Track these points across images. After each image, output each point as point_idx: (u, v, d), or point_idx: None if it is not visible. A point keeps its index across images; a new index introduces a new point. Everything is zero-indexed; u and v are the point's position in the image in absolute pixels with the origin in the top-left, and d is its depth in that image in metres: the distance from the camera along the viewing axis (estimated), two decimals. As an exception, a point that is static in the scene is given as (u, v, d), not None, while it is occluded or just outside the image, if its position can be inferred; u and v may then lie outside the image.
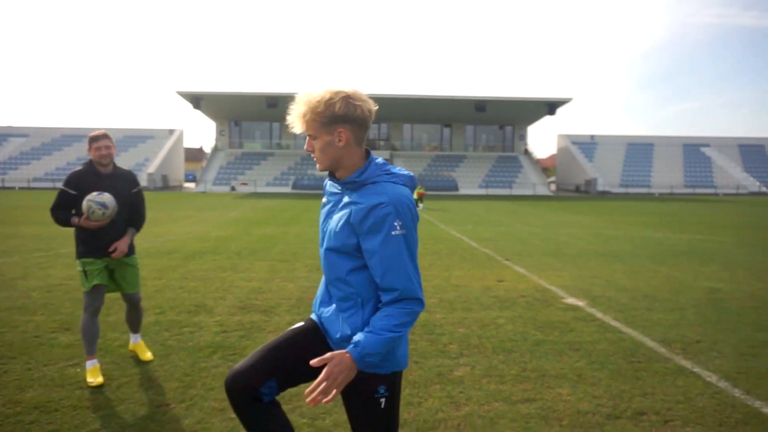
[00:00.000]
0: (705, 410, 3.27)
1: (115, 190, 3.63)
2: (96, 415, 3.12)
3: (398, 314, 1.66)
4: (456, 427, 3.04)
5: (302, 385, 1.95)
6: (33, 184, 45.53)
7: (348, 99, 1.66)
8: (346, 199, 1.74)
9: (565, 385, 3.65)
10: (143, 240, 10.26)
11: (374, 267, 1.67)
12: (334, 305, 1.81)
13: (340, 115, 1.65)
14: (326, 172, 1.82)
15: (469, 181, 50.06)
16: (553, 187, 56.24)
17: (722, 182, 52.21)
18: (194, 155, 78.32)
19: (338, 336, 1.78)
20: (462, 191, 47.63)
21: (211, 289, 6.46)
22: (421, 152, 55.42)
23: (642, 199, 38.52)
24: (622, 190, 50.29)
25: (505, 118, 54.04)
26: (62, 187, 3.64)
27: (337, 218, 1.74)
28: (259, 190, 46.50)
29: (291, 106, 1.71)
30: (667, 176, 52.78)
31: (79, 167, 3.75)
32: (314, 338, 1.87)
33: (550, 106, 47.23)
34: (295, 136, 54.35)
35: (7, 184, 45.43)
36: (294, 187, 47.56)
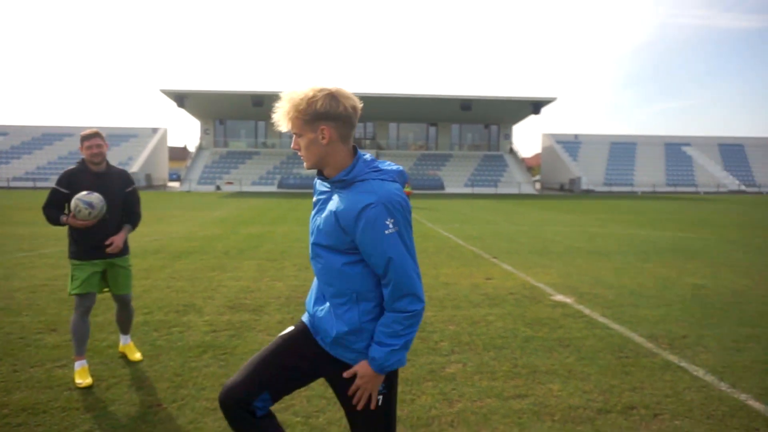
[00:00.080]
0: (693, 404, 3.33)
1: (107, 189, 3.60)
2: (86, 416, 3.08)
3: (401, 318, 1.68)
4: (450, 424, 3.05)
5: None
6: (13, 184, 44.67)
7: (330, 96, 1.66)
8: (335, 197, 1.73)
9: (555, 380, 3.69)
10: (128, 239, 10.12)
11: (375, 265, 1.68)
12: (328, 303, 1.80)
13: (322, 113, 1.65)
14: (313, 171, 1.82)
15: (455, 179, 50.25)
16: (537, 185, 56.66)
17: (703, 181, 53.07)
18: (178, 154, 77.56)
19: (335, 334, 1.76)
20: (448, 190, 47.80)
21: (199, 289, 6.41)
22: (406, 151, 55.48)
23: (625, 198, 39.01)
24: (606, 188, 50.88)
25: (490, 118, 54.34)
26: (54, 186, 3.62)
27: (327, 217, 1.73)
28: (245, 189, 46.18)
29: (276, 105, 1.72)
30: (649, 175, 53.52)
31: (72, 166, 3.71)
32: (305, 342, 1.86)
33: (534, 106, 47.59)
34: (280, 134, 54.09)
35: (-15, 184, 44.52)
36: (280, 186, 47.31)
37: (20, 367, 3.79)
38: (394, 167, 1.77)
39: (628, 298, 6.16)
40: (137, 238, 10.93)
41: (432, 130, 57.37)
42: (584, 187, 50.28)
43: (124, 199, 3.76)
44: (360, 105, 1.73)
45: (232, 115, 53.26)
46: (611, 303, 5.93)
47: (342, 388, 1.80)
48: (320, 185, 1.85)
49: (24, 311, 5.26)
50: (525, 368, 3.91)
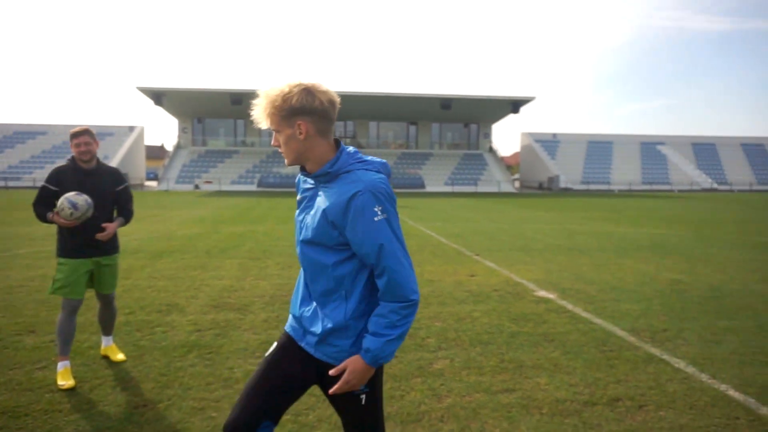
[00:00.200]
0: (676, 395, 3.40)
1: (96, 186, 3.56)
2: (70, 418, 3.02)
3: (397, 308, 1.65)
4: (439, 419, 3.07)
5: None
6: (-17, 183, 43.44)
7: (306, 91, 1.65)
8: (321, 193, 1.72)
9: (542, 374, 3.73)
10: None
11: (366, 255, 1.66)
12: (314, 303, 1.79)
13: (297, 108, 1.65)
14: (294, 170, 1.81)
15: (436, 178, 50.46)
16: (517, 184, 57.21)
17: (677, 179, 54.22)
18: (156, 153, 76.31)
19: (321, 332, 1.74)
20: (428, 188, 47.96)
21: (182, 288, 6.32)
22: (387, 150, 55.49)
23: (602, 196, 39.65)
24: (584, 186, 51.63)
25: (470, 116, 54.68)
26: (44, 183, 3.57)
27: (314, 213, 1.72)
28: (224, 188, 45.67)
29: (253, 102, 1.71)
30: (625, 173, 54.46)
31: (62, 163, 3.66)
32: (290, 359, 1.83)
33: (513, 105, 48.06)
34: (260, 133, 53.63)
35: (-46, 183, 43.20)
36: (260, 185, 46.89)
37: (-2, 369, 3.69)
38: (378, 159, 1.77)
39: (609, 294, 6.27)
40: (115, 238, 10.72)
41: (412, 128, 57.50)
42: (562, 185, 50.96)
43: (114, 197, 3.72)
44: (337, 99, 1.72)
45: (211, 113, 52.60)
46: (593, 298, 6.03)
47: (327, 387, 1.78)
48: (304, 183, 1.83)
49: (0, 312, 5.12)
50: (512, 363, 3.95)
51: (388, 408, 3.18)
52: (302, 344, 1.81)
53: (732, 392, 3.44)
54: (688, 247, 10.56)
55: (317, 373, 1.81)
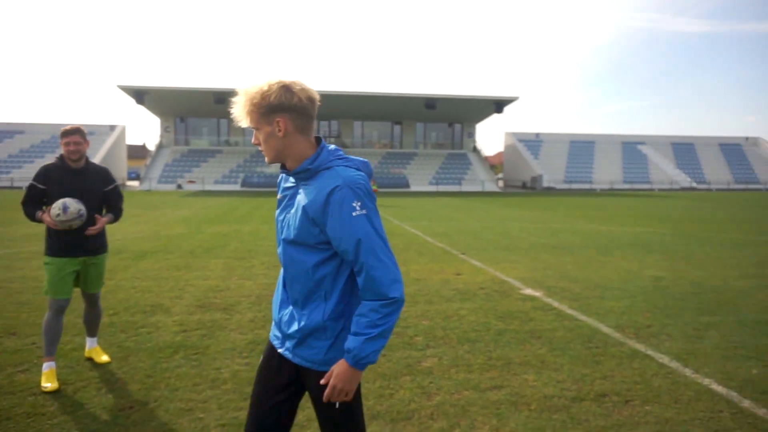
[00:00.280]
0: (661, 389, 3.46)
1: (84, 186, 3.53)
2: (53, 421, 2.97)
3: (378, 306, 1.61)
4: (429, 417, 3.08)
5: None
6: (-43, 183, 42.44)
7: (284, 88, 1.65)
8: (302, 191, 1.70)
9: (530, 371, 3.76)
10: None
11: (345, 252, 1.63)
12: (291, 306, 1.77)
13: (276, 105, 1.64)
14: (278, 170, 1.80)
15: (420, 178, 50.57)
16: (500, 183, 57.62)
17: (657, 178, 55.09)
18: (137, 152, 75.26)
19: (299, 334, 1.72)
20: (413, 188, 48.05)
21: (166, 289, 6.24)
22: (371, 149, 55.48)
23: (585, 195, 40.11)
24: (566, 186, 52.18)
25: (454, 116, 54.90)
26: (32, 182, 3.51)
27: (295, 211, 1.70)
28: (208, 188, 45.23)
29: (233, 100, 1.70)
30: (607, 173, 55.18)
31: (50, 161, 3.60)
32: (276, 365, 1.82)
33: (497, 105, 48.35)
34: (244, 132, 53.20)
35: (-72, 184, 42.11)
36: (243, 184, 46.55)
37: (-21, 372, 3.61)
38: (359, 159, 1.76)
39: (593, 291, 6.34)
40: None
41: (397, 128, 57.55)
42: (545, 184, 51.44)
43: (103, 197, 3.69)
44: (317, 96, 1.71)
45: (194, 112, 52.06)
46: (578, 296, 6.09)
47: (314, 392, 1.75)
48: (285, 181, 1.82)
49: (-21, 315, 5.01)
50: (499, 360, 3.98)
51: (378, 407, 3.18)
52: (282, 351, 1.80)
53: (715, 386, 3.51)
54: (669, 244, 10.73)
55: (299, 377, 1.79)
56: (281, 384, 1.80)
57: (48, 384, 3.34)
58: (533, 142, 58.47)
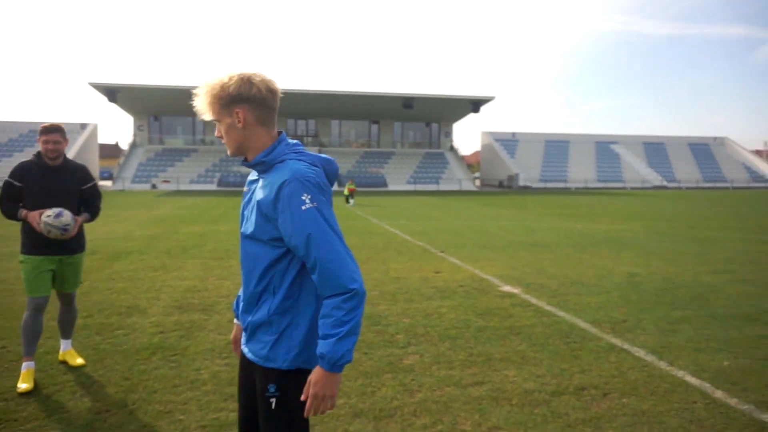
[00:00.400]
0: (637, 382, 3.53)
1: (61, 184, 3.47)
2: (26, 427, 2.88)
3: (339, 302, 1.55)
4: (412, 413, 3.08)
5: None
6: None
7: (244, 79, 1.64)
8: (259, 183, 1.69)
9: (510, 367, 3.80)
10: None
11: (297, 247, 1.58)
12: (247, 300, 1.73)
13: (235, 96, 1.63)
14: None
15: (398, 177, 50.69)
16: (477, 182, 58.13)
17: (629, 177, 56.29)
18: (110, 151, 73.64)
19: (248, 325, 1.71)
20: (391, 187, 48.15)
21: (142, 290, 6.13)
22: (349, 149, 55.42)
23: (560, 194, 40.75)
24: (542, 184, 52.93)
25: (431, 116, 55.20)
26: (7, 179, 3.43)
27: (252, 206, 1.69)
28: (183, 187, 44.56)
29: (194, 93, 1.69)
30: (581, 172, 56.15)
31: (27, 158, 3.54)
32: (246, 366, 1.80)
33: (474, 104, 48.81)
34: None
35: None
36: (219, 184, 46.00)
37: (-54, 378, 3.49)
38: (323, 156, 1.74)
39: (570, 287, 6.44)
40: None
41: (374, 127, 57.59)
42: (522, 183, 52.09)
43: (80, 195, 3.62)
44: (278, 88, 1.70)
45: (168, 110, 51.21)
46: (555, 292, 6.18)
47: (258, 388, 1.70)
48: (251, 174, 1.80)
49: (-54, 319, 4.84)
50: (480, 356, 4.01)
51: (360, 404, 3.18)
52: (243, 349, 1.77)
53: (689, 378, 3.60)
54: (642, 241, 10.97)
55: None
56: (253, 384, 1.77)
57: (23, 384, 3.26)
58: (509, 142, 59.14)
